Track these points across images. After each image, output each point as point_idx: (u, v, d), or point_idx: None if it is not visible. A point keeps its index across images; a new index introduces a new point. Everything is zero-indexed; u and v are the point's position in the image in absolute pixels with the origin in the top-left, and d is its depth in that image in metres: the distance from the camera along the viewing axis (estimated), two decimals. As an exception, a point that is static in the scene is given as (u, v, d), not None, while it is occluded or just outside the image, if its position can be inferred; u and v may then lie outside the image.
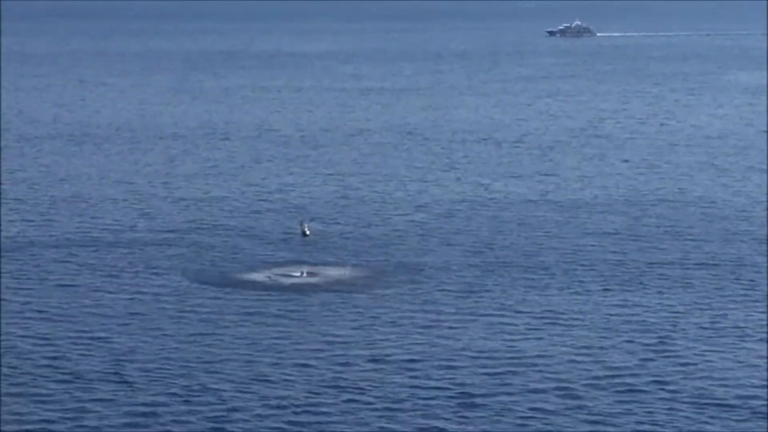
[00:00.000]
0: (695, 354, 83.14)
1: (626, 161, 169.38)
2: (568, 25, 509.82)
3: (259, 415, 71.86)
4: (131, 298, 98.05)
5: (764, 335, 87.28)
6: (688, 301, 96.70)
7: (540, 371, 79.21)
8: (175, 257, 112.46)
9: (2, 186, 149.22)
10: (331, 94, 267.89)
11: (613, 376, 78.23)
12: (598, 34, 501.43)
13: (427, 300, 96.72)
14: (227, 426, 70.38)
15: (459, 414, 72.10)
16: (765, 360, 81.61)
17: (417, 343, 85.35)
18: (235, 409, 72.74)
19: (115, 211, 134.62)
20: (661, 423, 70.63)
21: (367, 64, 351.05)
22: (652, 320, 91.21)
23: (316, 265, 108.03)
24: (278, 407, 73.01)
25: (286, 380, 77.71)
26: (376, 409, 72.79)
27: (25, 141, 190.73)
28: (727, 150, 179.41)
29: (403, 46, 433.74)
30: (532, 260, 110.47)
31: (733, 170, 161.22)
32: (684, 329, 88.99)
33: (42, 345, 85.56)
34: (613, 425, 70.40)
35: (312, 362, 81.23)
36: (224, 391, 75.77)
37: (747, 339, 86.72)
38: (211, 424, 70.57)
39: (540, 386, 76.35)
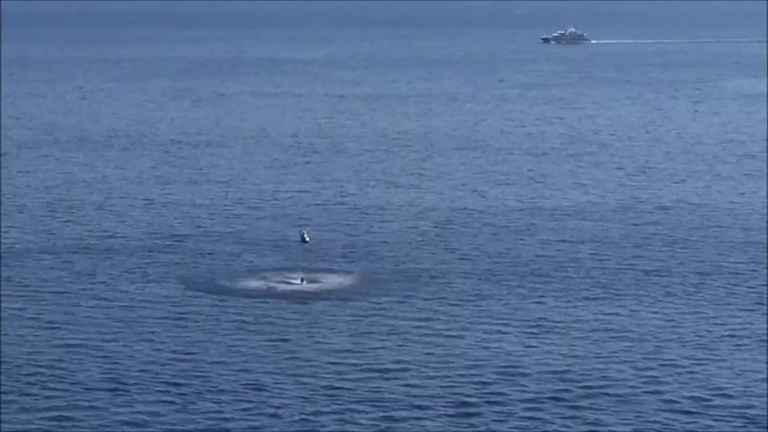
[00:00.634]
0: (692, 362, 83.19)
1: (622, 168, 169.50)
2: (563, 32, 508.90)
3: (254, 426, 71.88)
4: (128, 305, 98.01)
5: (763, 343, 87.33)
6: (685, 309, 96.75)
7: (536, 379, 79.26)
8: (172, 264, 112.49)
9: (0, 192, 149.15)
10: (327, 100, 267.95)
11: (609, 385, 78.27)
12: (593, 41, 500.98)
13: (423, 308, 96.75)
14: (223, 434, 70.52)
15: (454, 422, 72.14)
16: (764, 368, 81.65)
17: (412, 351, 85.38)
18: (230, 418, 72.75)
19: (112, 218, 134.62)
20: (657, 432, 70.82)
21: (363, 71, 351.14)
22: (648, 328, 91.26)
23: (313, 272, 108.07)
24: (274, 416, 73.05)
25: (281, 388, 77.74)
26: (372, 418, 72.83)
27: (23, 147, 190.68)
28: (725, 157, 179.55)
29: (398, 53, 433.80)
30: (527, 268, 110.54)
31: (731, 177, 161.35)
32: (681, 337, 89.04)
33: (38, 352, 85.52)
34: (610, 434, 70.55)
35: (308, 370, 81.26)
36: (220, 399, 75.79)
37: (745, 347, 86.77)
38: (207, 433, 70.69)
39: (536, 395, 76.38)
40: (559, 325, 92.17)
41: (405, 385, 78.19)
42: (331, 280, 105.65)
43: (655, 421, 72.29)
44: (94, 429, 71.26)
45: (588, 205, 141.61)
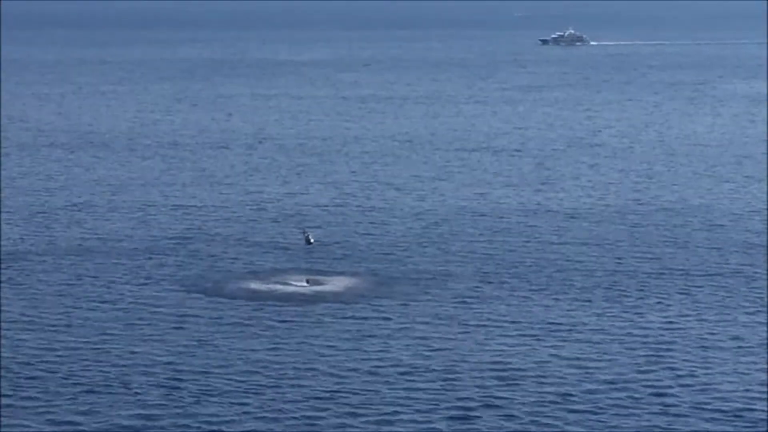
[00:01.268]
0: (694, 365, 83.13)
1: (624, 170, 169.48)
2: (562, 33, 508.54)
3: (256, 428, 71.83)
4: (129, 307, 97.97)
5: (764, 346, 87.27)
6: (686, 311, 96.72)
7: (538, 382, 79.22)
8: (174, 266, 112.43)
9: (1, 194, 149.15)
10: (329, 102, 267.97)
11: (611, 388, 78.22)
12: (592, 43, 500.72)
13: (425, 310, 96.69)
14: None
15: (456, 425, 72.10)
16: (765, 371, 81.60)
17: (414, 354, 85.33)
18: (230, 420, 72.69)
19: (113, 220, 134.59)
20: (659, 435, 70.78)
21: (364, 73, 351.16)
22: (650, 331, 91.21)
23: (317, 273, 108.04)
24: (274, 419, 72.99)
25: (282, 391, 77.68)
26: (373, 421, 72.78)
27: (24, 149, 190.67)
28: (725, 159, 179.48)
29: (399, 55, 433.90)
30: (530, 270, 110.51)
31: (731, 179, 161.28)
32: (683, 340, 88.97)
33: (39, 353, 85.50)
34: (612, 437, 70.54)
35: (309, 372, 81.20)
36: (221, 401, 75.73)
37: (746, 350, 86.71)
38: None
39: (538, 398, 76.34)
40: (562, 326, 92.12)
41: (407, 388, 78.14)
42: (336, 282, 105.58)
43: (656, 425, 72.22)
44: (94, 431, 71.20)
45: (589, 207, 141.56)
